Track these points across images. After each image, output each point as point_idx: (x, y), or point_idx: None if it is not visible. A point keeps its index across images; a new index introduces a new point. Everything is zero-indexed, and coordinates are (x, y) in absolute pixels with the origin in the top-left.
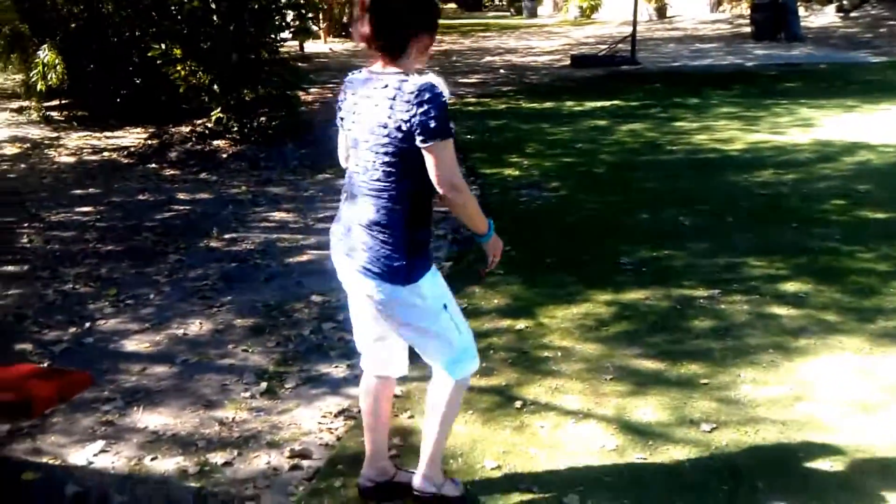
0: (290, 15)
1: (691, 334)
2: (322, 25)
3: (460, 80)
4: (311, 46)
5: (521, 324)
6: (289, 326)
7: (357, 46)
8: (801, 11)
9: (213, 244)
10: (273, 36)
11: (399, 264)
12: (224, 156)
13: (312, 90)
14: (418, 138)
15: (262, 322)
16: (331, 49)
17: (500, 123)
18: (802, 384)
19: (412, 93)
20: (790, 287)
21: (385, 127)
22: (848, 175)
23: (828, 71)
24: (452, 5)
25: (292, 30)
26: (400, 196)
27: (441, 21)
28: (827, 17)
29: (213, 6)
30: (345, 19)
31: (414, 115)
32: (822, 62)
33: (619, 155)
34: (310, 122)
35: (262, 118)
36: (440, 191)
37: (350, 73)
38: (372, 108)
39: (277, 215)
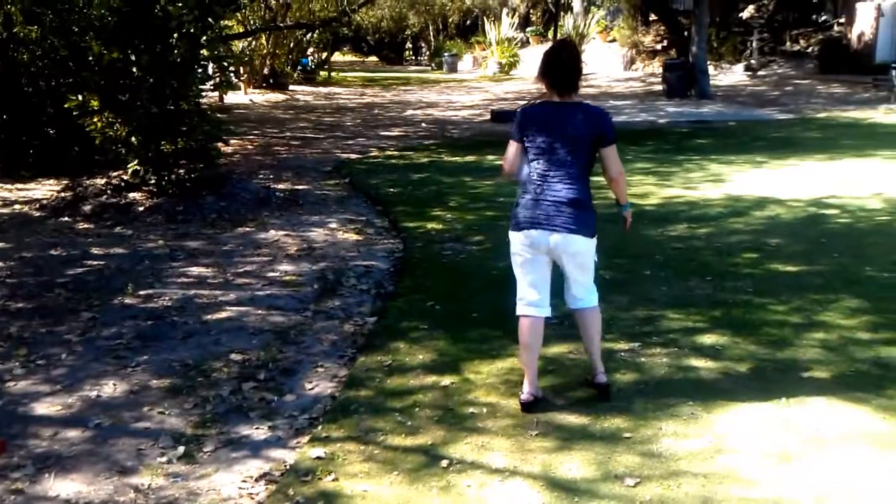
0: (211, 67)
1: (614, 388)
2: (243, 77)
3: (382, 133)
4: (231, 98)
5: (446, 380)
6: (207, 387)
7: (289, 99)
8: (711, 70)
9: (128, 301)
10: (194, 88)
11: (594, 223)
12: (140, 209)
13: (232, 142)
14: (604, 141)
15: (180, 382)
16: (251, 101)
17: (423, 177)
18: (722, 437)
19: (597, 114)
20: (707, 340)
21: (587, 136)
22: (759, 229)
23: (737, 128)
24: (374, 58)
25: (214, 82)
26: (586, 179)
27: (363, 74)
28: (735, 75)
29: (133, 58)
30: (265, 71)
31: (603, 127)
32: (731, 119)
33: None
34: (229, 174)
35: (181, 170)
36: (614, 175)
37: (527, 107)
38: (577, 124)
39: (195, 270)
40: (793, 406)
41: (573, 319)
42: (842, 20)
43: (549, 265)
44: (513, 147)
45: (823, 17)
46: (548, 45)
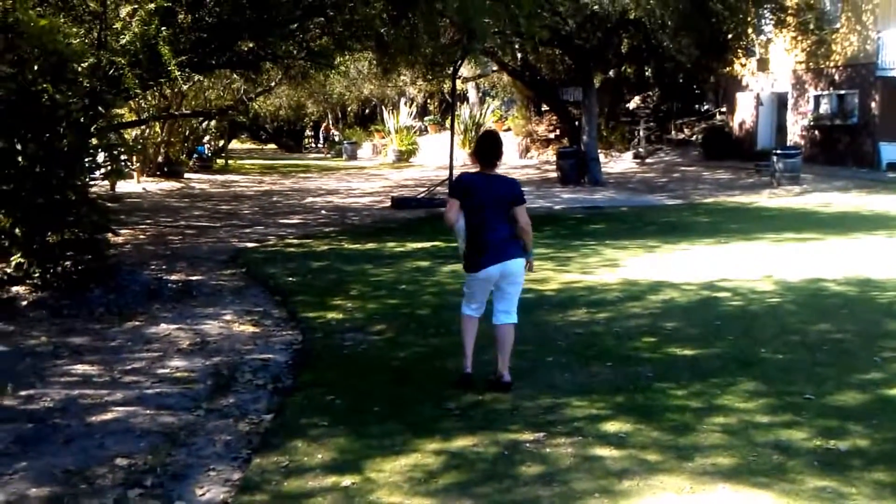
0: (101, 155)
1: (519, 482)
2: (135, 166)
3: (281, 221)
4: (123, 186)
5: (347, 480)
6: (90, 495)
7: (184, 187)
8: (602, 158)
9: (7, 402)
10: (83, 178)
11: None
12: (23, 303)
13: (123, 231)
14: (517, 201)
15: (60, 490)
16: (144, 189)
17: (323, 265)
18: None
19: (511, 181)
20: (611, 427)
21: (507, 197)
22: (655, 313)
23: (629, 213)
24: (273, 146)
25: (104, 171)
26: (512, 224)
27: (262, 162)
28: (625, 163)
29: (19, 147)
30: (160, 159)
31: (516, 191)
32: (623, 205)
33: (441, 296)
34: (119, 265)
35: (67, 262)
36: (523, 224)
37: (463, 175)
38: (498, 188)
39: (80, 368)
40: (698, 493)
41: (493, 334)
42: (723, 109)
43: (489, 288)
44: (455, 203)
45: (706, 107)
46: (446, 133)
